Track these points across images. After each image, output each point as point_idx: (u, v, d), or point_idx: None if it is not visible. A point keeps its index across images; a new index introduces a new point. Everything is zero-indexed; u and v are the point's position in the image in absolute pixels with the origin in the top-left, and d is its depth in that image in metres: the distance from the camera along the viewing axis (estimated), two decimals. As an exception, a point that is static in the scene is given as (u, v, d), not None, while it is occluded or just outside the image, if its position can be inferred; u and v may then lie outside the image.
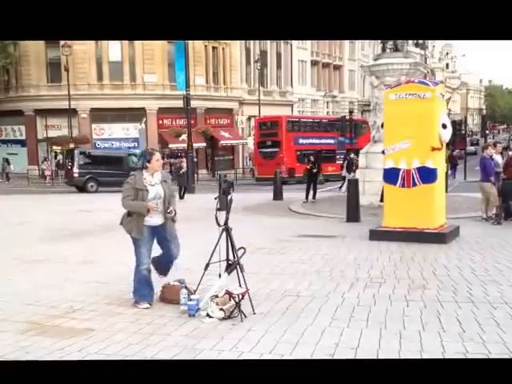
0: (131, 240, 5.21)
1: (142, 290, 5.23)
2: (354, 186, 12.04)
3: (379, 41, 17.01)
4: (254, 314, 4.90)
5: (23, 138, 34.30)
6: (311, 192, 16.08)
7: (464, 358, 3.80)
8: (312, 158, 17.12)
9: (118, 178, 23.27)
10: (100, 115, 32.25)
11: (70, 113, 29.16)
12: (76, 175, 23.82)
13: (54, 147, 33.51)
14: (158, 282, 5.49)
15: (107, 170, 23.28)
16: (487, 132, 75.70)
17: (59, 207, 16.08)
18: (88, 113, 32.31)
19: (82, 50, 31.38)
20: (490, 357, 3.87)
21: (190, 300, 4.98)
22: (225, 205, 5.13)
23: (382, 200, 10.49)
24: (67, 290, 5.90)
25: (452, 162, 30.22)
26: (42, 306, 5.29)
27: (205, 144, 34.37)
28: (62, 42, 29.24)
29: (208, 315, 4.80)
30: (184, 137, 26.56)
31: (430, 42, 75.19)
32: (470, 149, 50.02)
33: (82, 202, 18.28)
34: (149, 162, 5.10)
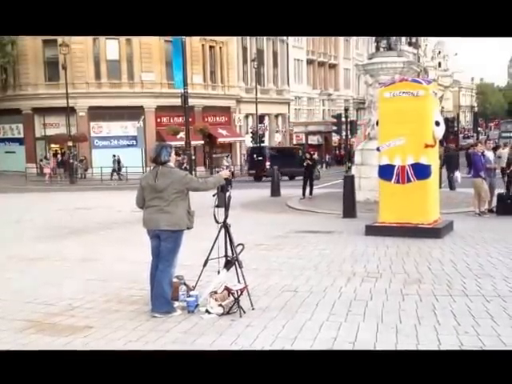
0: (172, 243, 4.86)
1: (170, 293, 4.92)
2: (349, 182, 12.12)
3: (373, 40, 17.16)
4: (253, 309, 4.95)
5: (21, 136, 34.29)
6: (308, 188, 16.16)
7: (459, 349, 3.86)
8: (308, 155, 17.22)
9: (293, 169, 26.50)
10: (98, 113, 32.25)
11: (68, 111, 29.21)
12: (268, 167, 27.61)
13: (52, 145, 33.62)
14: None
15: (286, 162, 27.27)
16: (479, 129, 76.05)
17: (57, 205, 16.07)
18: (86, 111, 32.32)
19: (80, 48, 31.45)
20: (485, 349, 3.92)
21: (189, 296, 5.01)
22: (223, 202, 5.16)
23: None
24: (66, 288, 5.93)
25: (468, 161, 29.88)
26: (40, 304, 5.31)
27: (203, 142, 34.46)
28: (59, 41, 29.29)
29: (207, 311, 4.84)
30: (182, 134, 26.61)
31: (422, 41, 75.67)
32: (469, 141, 50.63)
33: (79, 200, 18.29)
34: (170, 155, 4.96)
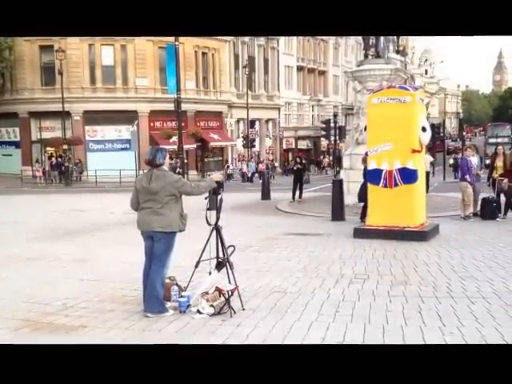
0: (164, 244, 4.93)
1: (162, 294, 4.98)
2: (338, 186, 12.29)
3: (362, 47, 17.46)
4: (243, 309, 5.03)
5: (17, 139, 34.65)
6: (298, 192, 16.32)
7: (443, 343, 3.98)
8: (299, 160, 17.43)
9: None
10: (93, 117, 32.55)
11: (64, 115, 29.52)
12: None
13: (48, 148, 33.90)
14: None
15: None
16: (465, 134, 77.13)
17: (52, 207, 16.14)
18: (81, 115, 32.63)
19: (76, 54, 31.88)
20: (470, 343, 4.04)
21: (181, 297, 5.10)
22: (215, 204, 5.26)
23: (360, 200, 10.76)
24: (61, 288, 5.99)
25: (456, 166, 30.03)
26: (36, 304, 5.37)
27: (195, 146, 34.69)
28: (56, 47, 29.73)
29: (198, 311, 4.92)
30: (175, 138, 26.85)
31: (409, 49, 76.73)
32: (454, 144, 51.60)
33: (74, 201, 18.35)
34: (164, 158, 5.04)
